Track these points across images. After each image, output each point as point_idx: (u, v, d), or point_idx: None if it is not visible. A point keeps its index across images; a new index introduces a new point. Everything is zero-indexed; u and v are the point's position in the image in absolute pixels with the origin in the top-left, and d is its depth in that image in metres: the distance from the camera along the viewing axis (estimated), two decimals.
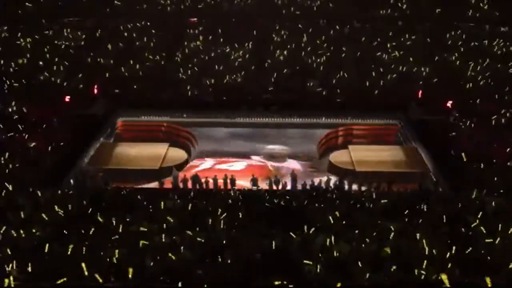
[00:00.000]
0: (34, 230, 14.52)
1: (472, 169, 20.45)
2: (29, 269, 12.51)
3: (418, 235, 14.54)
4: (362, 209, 16.90)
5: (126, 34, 33.51)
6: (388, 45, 32.02)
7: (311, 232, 14.83)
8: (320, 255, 13.57)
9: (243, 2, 35.57)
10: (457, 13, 34.91)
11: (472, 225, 15.14)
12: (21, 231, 14.32)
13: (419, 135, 24.67)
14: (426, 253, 13.62)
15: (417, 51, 31.37)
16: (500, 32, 33.64)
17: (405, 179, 21.95)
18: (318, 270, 12.67)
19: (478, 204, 16.79)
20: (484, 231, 14.71)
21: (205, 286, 12.01)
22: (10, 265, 12.41)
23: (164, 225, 15.30)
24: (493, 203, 16.59)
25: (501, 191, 18.07)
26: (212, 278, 12.39)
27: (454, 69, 29.72)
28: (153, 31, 33.68)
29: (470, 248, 13.75)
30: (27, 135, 22.34)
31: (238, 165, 25.61)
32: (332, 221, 15.65)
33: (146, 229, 14.96)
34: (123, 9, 34.72)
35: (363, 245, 14.15)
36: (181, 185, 21.51)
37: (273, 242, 13.96)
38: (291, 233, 14.69)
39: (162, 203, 16.74)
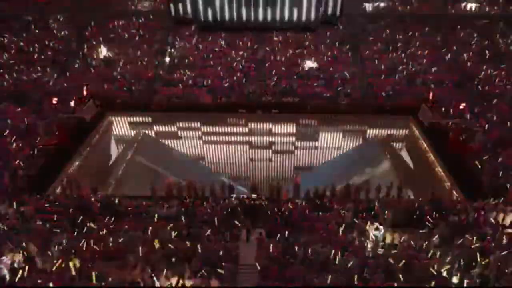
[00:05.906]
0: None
1: (488, 177, 20.45)
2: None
3: (430, 246, 14.59)
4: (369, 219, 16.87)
5: (117, 33, 33.74)
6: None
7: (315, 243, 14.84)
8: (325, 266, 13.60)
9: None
10: None
11: (487, 237, 15.18)
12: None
13: (431, 141, 24.75)
14: (437, 265, 13.65)
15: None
16: None
17: None
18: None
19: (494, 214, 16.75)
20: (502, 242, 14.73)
21: None
22: None
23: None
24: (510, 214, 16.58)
25: None
26: None
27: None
28: (147, 30, 33.91)
29: (486, 260, 13.77)
30: (10, 140, 22.33)
31: None
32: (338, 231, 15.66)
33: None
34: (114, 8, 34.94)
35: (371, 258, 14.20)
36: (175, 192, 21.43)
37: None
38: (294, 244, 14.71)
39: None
